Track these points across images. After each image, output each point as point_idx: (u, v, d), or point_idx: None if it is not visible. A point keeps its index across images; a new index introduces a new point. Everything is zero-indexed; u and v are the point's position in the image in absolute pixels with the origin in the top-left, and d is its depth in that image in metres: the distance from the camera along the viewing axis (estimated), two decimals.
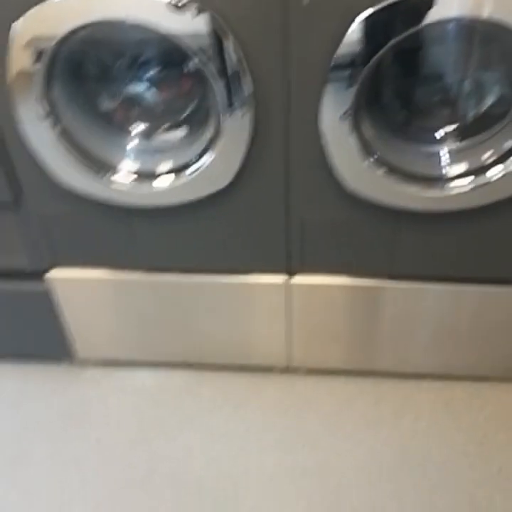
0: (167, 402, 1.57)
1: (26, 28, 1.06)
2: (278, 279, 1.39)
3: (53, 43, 1.07)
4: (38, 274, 1.45)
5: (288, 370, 1.61)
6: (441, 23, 1.07)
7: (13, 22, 1.05)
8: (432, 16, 1.01)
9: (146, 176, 1.22)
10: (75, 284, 1.46)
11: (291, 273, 1.39)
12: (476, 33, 1.14)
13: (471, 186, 1.16)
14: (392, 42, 1.03)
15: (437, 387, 1.56)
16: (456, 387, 1.55)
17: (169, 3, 1.00)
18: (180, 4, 1.00)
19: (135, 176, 1.22)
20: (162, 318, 1.52)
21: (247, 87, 1.09)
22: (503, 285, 1.36)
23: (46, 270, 1.44)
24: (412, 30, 1.03)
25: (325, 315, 1.46)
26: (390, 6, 1.00)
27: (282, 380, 1.60)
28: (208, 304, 1.47)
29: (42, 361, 1.66)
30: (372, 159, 1.14)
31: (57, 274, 1.44)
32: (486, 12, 0.99)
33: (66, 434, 1.52)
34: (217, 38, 1.04)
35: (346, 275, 1.38)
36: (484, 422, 1.48)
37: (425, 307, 1.42)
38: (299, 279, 1.39)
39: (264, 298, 1.44)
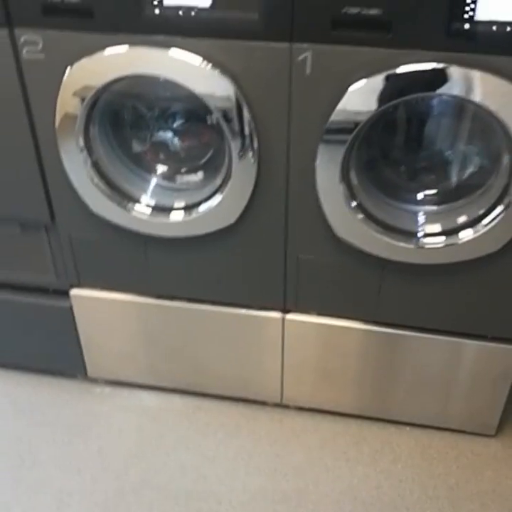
0: (166, 422, 1.70)
1: (75, 75, 1.26)
2: (274, 315, 1.54)
3: (96, 90, 1.27)
4: (62, 292, 1.63)
5: (280, 405, 1.73)
6: (425, 98, 1.25)
7: (68, 66, 1.25)
8: (416, 90, 1.18)
9: (162, 209, 1.40)
10: (92, 305, 1.63)
11: (285, 311, 1.54)
12: (461, 110, 1.31)
13: (443, 244, 1.31)
14: (380, 111, 1.20)
15: (417, 434, 1.65)
16: (434, 436, 1.65)
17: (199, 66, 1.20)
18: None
19: (153, 208, 1.41)
20: (168, 345, 1.67)
21: (256, 142, 1.27)
22: (478, 339, 1.48)
23: (70, 288, 1.62)
24: (397, 102, 1.20)
25: (315, 354, 1.59)
26: (384, 78, 1.17)
27: (274, 413, 1.72)
28: (210, 333, 1.61)
29: (57, 375, 1.82)
30: (354, 204, 1.30)
31: (77, 293, 1.62)
32: (477, 96, 1.15)
33: (71, 442, 1.66)
34: (237, 101, 1.23)
35: (336, 316, 1.52)
36: (457, 470, 1.57)
37: (406, 355, 1.54)
38: (293, 317, 1.53)
39: (261, 333, 1.58)
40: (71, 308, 1.65)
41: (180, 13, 1.17)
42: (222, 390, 1.74)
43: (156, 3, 1.16)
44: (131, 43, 1.22)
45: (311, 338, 1.56)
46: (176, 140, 1.44)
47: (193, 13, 1.16)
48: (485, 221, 1.27)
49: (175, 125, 1.42)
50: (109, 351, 1.73)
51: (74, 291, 1.62)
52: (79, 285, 1.61)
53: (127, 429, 1.69)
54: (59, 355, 1.76)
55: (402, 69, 1.16)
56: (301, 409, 1.72)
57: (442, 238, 1.30)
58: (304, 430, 1.67)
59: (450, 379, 1.56)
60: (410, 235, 1.32)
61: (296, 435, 1.67)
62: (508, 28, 1.10)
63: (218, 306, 1.57)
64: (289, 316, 1.54)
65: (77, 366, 1.76)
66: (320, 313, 1.53)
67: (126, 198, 1.40)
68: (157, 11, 1.17)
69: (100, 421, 1.71)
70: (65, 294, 1.63)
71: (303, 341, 1.57)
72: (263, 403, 1.74)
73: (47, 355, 1.76)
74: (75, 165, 1.36)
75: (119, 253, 1.51)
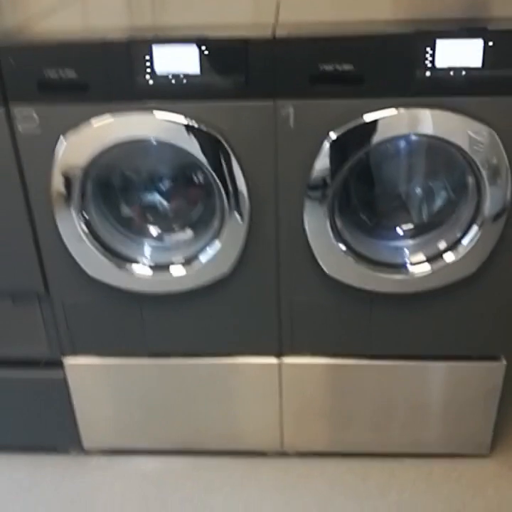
0: (169, 485, 1.69)
1: (69, 148, 1.33)
2: (270, 360, 1.59)
3: (90, 159, 1.34)
4: (55, 362, 1.63)
5: (280, 453, 1.75)
6: (385, 142, 1.36)
7: (63, 137, 1.32)
8: (376, 137, 1.30)
9: (160, 267, 1.46)
10: (86, 372, 1.64)
11: (281, 354, 1.59)
12: (418, 147, 1.44)
13: (430, 271, 1.41)
14: (351, 161, 1.32)
15: (417, 463, 1.71)
16: (433, 463, 1.71)
17: (187, 125, 1.29)
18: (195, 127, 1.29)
19: (150, 267, 1.46)
20: (163, 404, 1.68)
21: (246, 194, 1.36)
22: (464, 360, 1.57)
23: (62, 357, 1.62)
24: (364, 150, 1.32)
25: (313, 395, 1.64)
26: (347, 131, 1.29)
27: (276, 462, 1.74)
28: (207, 387, 1.64)
29: (51, 451, 1.78)
30: (344, 248, 1.40)
31: (71, 362, 1.62)
32: (422, 129, 1.29)
33: None
34: (227, 157, 1.32)
35: (330, 355, 1.58)
36: (461, 491, 1.62)
37: (400, 385, 1.61)
38: (289, 360, 1.59)
39: (259, 379, 1.62)
40: (65, 378, 1.64)
41: (172, 80, 1.27)
42: (220, 446, 1.75)
43: (148, 71, 1.26)
44: (124, 111, 1.30)
45: (308, 379, 1.61)
46: (164, 201, 1.51)
47: (183, 80, 1.27)
48: (464, 242, 1.39)
49: (162, 187, 1.50)
50: (104, 419, 1.71)
51: (68, 360, 1.62)
52: (73, 353, 1.61)
53: (130, 497, 1.66)
54: (53, 430, 1.73)
55: (369, 117, 1.29)
56: (301, 454, 1.74)
57: (428, 265, 1.41)
58: (309, 474, 1.70)
59: (441, 403, 1.63)
60: (398, 266, 1.43)
61: (303, 480, 1.69)
62: (463, 72, 1.26)
63: (214, 358, 1.60)
64: (286, 360, 1.59)
65: (72, 440, 1.74)
66: (314, 354, 1.59)
67: (124, 260, 1.45)
68: (150, 80, 1.27)
69: (102, 492, 1.68)
70: (58, 364, 1.63)
71: (300, 383, 1.62)
72: (263, 454, 1.75)
73: (41, 432, 1.73)
74: (72, 233, 1.41)
75: (114, 315, 1.54)
